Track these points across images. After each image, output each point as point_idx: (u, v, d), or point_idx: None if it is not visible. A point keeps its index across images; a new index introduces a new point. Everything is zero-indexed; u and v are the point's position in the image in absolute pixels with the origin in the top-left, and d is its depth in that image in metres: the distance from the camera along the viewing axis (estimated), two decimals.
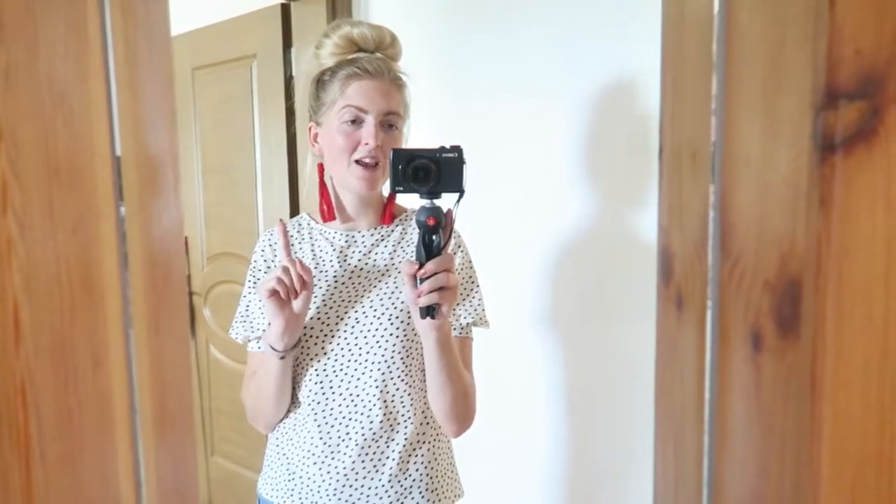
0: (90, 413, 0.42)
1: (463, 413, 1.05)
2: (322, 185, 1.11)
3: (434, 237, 0.92)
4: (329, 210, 1.10)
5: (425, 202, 0.93)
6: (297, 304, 0.98)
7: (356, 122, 1.03)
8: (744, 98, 0.38)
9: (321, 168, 1.11)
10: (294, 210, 2.06)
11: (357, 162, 1.03)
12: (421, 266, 0.91)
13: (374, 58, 1.05)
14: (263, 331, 1.09)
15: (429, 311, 0.93)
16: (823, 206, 0.31)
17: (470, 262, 1.12)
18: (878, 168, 0.31)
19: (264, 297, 0.96)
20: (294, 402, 1.10)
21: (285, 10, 2.00)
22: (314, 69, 1.09)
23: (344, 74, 1.04)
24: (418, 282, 0.92)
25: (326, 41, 1.06)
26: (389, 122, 1.05)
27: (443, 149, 0.93)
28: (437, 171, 0.92)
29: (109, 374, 0.43)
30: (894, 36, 0.30)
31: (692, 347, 0.46)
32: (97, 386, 0.42)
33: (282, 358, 1.01)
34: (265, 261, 1.11)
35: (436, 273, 0.91)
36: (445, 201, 0.94)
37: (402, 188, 0.93)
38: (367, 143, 1.02)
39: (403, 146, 1.09)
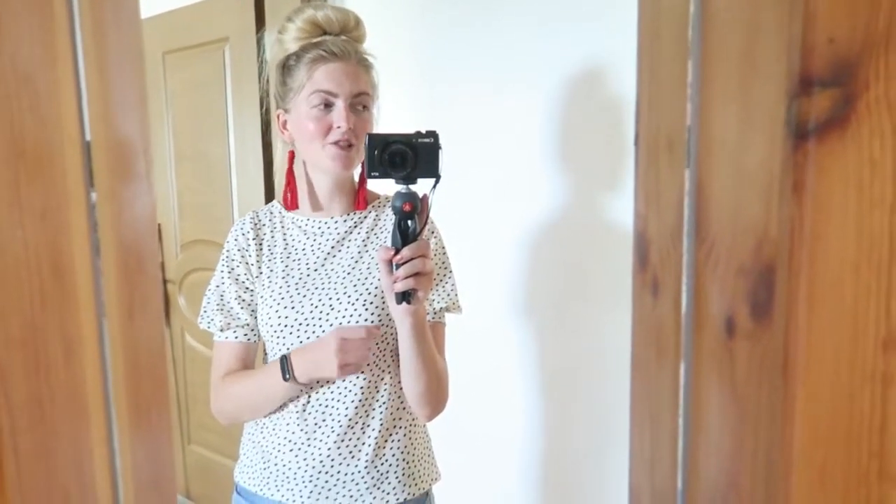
0: (63, 403, 0.41)
1: (436, 398, 1.05)
2: (290, 172, 1.10)
3: (410, 223, 0.92)
4: (293, 198, 1.09)
5: (401, 187, 0.92)
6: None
7: (326, 106, 1.02)
8: (719, 85, 0.39)
9: (291, 155, 1.10)
10: (269, 196, 2.04)
11: (330, 144, 1.02)
12: (397, 252, 0.91)
13: (340, 40, 1.04)
14: (242, 319, 1.08)
15: (404, 297, 0.93)
16: (797, 193, 0.32)
17: (443, 247, 1.12)
18: (850, 155, 0.31)
19: (343, 370, 0.97)
20: None
21: None
22: (278, 54, 1.07)
23: (310, 58, 1.02)
24: (394, 267, 0.92)
25: (290, 25, 1.05)
26: (360, 104, 1.04)
27: (419, 134, 0.92)
28: (413, 156, 0.91)
29: (82, 363, 0.43)
30: (867, 25, 0.30)
31: (668, 332, 0.47)
32: (70, 375, 0.42)
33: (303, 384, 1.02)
34: (239, 249, 1.10)
35: (412, 258, 0.91)
36: (421, 187, 0.93)
37: (378, 173, 0.92)
38: (339, 127, 1.01)
39: (374, 128, 1.08)
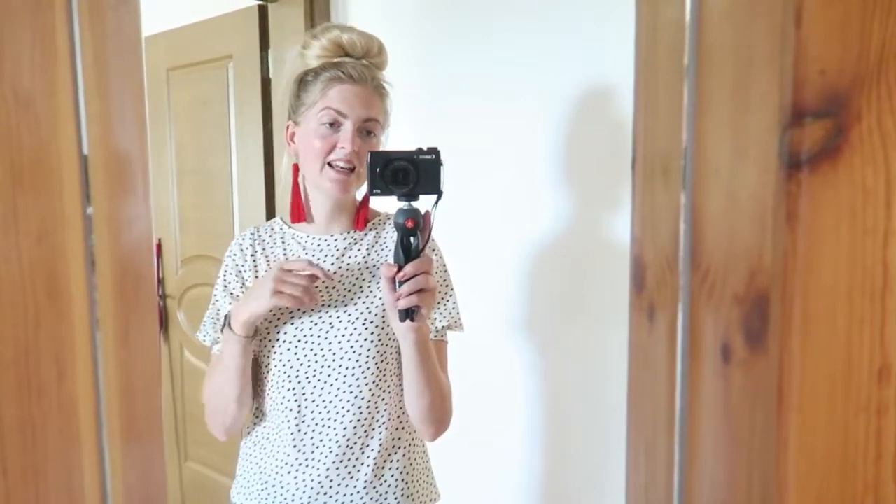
0: (55, 425, 0.41)
1: (440, 416, 1.04)
2: (295, 185, 1.10)
3: (412, 239, 0.92)
4: (299, 210, 1.10)
5: (403, 204, 0.93)
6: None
7: (334, 125, 1.03)
8: (713, 113, 0.39)
9: (296, 168, 1.11)
10: (270, 213, 2.04)
11: (331, 165, 1.03)
12: (400, 268, 0.91)
13: (360, 64, 1.05)
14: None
15: (408, 314, 0.93)
16: (790, 222, 0.32)
17: (444, 265, 1.12)
18: (842, 185, 0.31)
19: (278, 297, 0.95)
20: (266, 409, 1.09)
21: (262, 12, 1.98)
22: (298, 68, 1.09)
23: (327, 77, 1.03)
24: (397, 284, 0.92)
25: (314, 42, 1.06)
26: (368, 129, 1.05)
27: (420, 150, 0.93)
28: (415, 173, 0.92)
29: (75, 384, 0.43)
30: (858, 56, 0.30)
31: (663, 358, 0.47)
32: (62, 396, 0.41)
33: (246, 337, 1.00)
34: (236, 264, 1.10)
35: (415, 275, 0.91)
36: (422, 203, 0.94)
37: (380, 190, 0.92)
38: (343, 147, 1.02)
39: None
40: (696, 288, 0.41)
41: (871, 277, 0.31)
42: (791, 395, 0.33)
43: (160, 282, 2.48)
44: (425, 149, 0.93)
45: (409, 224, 0.91)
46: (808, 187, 0.31)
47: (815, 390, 0.32)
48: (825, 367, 0.32)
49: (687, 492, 0.44)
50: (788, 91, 0.31)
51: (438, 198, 0.94)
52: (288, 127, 1.11)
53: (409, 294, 0.90)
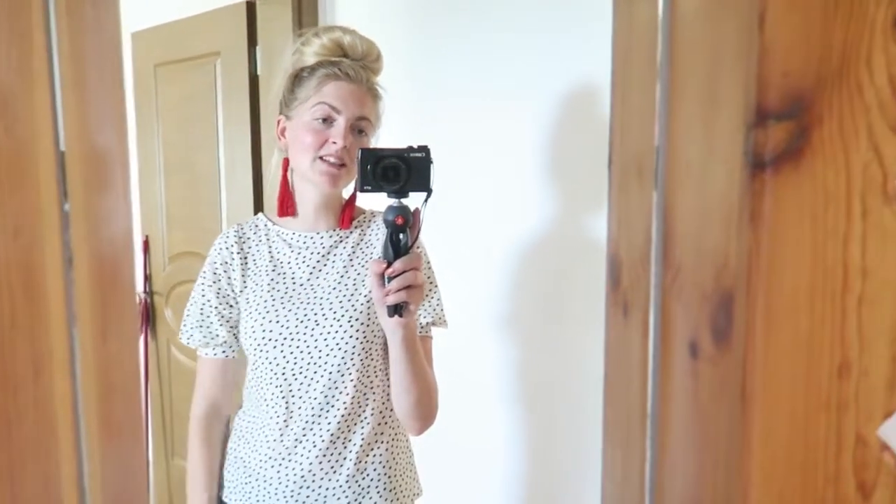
0: (31, 422, 0.41)
1: (426, 411, 1.05)
2: (284, 179, 1.10)
3: (402, 236, 0.93)
4: (286, 204, 1.10)
5: (393, 201, 0.93)
6: None
7: (327, 120, 1.03)
8: (685, 114, 0.39)
9: (286, 163, 1.11)
10: (258, 209, 2.04)
11: (322, 159, 1.03)
12: (389, 265, 0.92)
13: (357, 64, 1.06)
14: (220, 337, 1.09)
15: (396, 310, 0.94)
16: (754, 222, 0.32)
17: (428, 262, 1.13)
18: (804, 186, 0.32)
19: None
20: (253, 405, 1.09)
21: (250, 9, 1.97)
22: (295, 64, 1.09)
23: (323, 73, 1.04)
24: (386, 280, 0.92)
25: (315, 40, 1.07)
26: (360, 128, 1.05)
27: (410, 148, 0.94)
28: (406, 170, 0.92)
29: (52, 381, 0.43)
30: (820, 59, 0.31)
31: (637, 354, 0.47)
32: (38, 394, 0.42)
33: None
34: (223, 262, 1.10)
35: (404, 271, 0.91)
36: (412, 201, 0.94)
37: (370, 187, 0.93)
38: (335, 142, 1.02)
39: None
40: (668, 286, 0.42)
41: (831, 277, 0.32)
42: (754, 391, 0.33)
43: (147, 279, 2.47)
44: (416, 147, 0.94)
45: (399, 221, 0.92)
46: (772, 188, 0.32)
47: (778, 386, 0.33)
48: (787, 364, 0.33)
49: (658, 485, 0.45)
50: (753, 93, 0.32)
51: (428, 195, 0.95)
52: (279, 121, 1.11)
53: (398, 290, 0.91)
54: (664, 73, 0.42)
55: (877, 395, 0.34)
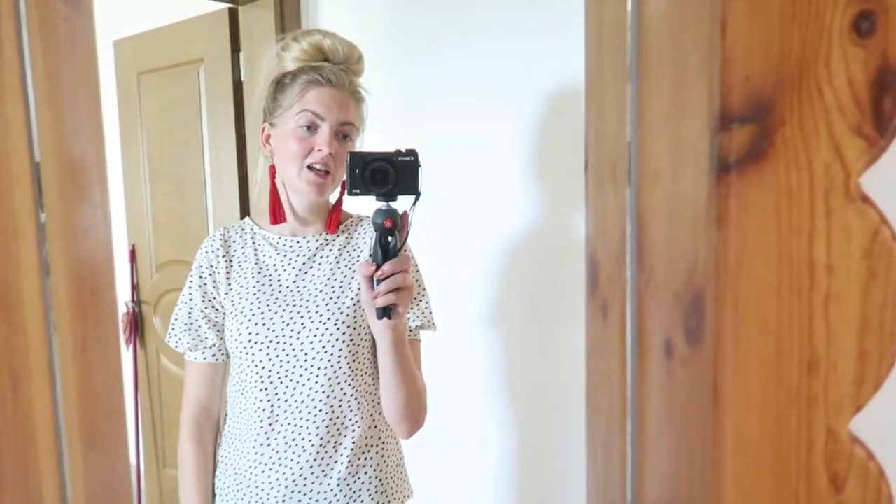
0: (10, 437, 0.41)
1: (416, 413, 1.05)
2: (273, 187, 1.10)
3: (391, 239, 0.93)
4: (280, 212, 1.10)
5: (381, 204, 0.94)
6: None
7: (311, 127, 1.03)
8: (654, 116, 0.40)
9: (272, 170, 1.11)
10: (244, 216, 2.03)
11: (309, 168, 1.03)
12: (378, 267, 0.92)
13: (338, 68, 1.06)
14: (209, 340, 1.09)
15: (385, 312, 0.94)
16: (720, 224, 0.33)
17: (416, 266, 1.13)
18: (768, 187, 0.32)
19: None
20: (239, 410, 1.09)
21: (233, 15, 1.97)
22: (275, 70, 1.09)
23: (305, 80, 1.04)
24: (375, 283, 0.92)
25: (294, 45, 1.06)
26: (344, 133, 1.06)
27: (399, 152, 0.94)
28: (394, 173, 0.93)
29: (31, 394, 0.43)
30: (780, 63, 0.32)
31: (616, 354, 0.48)
32: (18, 408, 0.41)
33: None
34: (209, 266, 1.10)
35: (393, 274, 0.92)
36: (400, 204, 0.95)
37: (359, 190, 0.93)
38: (320, 150, 1.02)
39: None
40: (642, 286, 0.42)
41: (797, 275, 0.33)
42: (726, 389, 0.34)
43: (135, 288, 2.45)
44: (404, 150, 0.94)
45: (388, 224, 0.92)
46: (737, 189, 0.33)
47: (748, 384, 0.34)
48: (757, 362, 0.34)
49: (639, 483, 0.45)
50: (716, 96, 0.32)
51: (416, 199, 0.95)
52: (263, 129, 1.11)
53: (388, 292, 0.91)
54: (633, 76, 0.42)
55: (845, 390, 0.34)
